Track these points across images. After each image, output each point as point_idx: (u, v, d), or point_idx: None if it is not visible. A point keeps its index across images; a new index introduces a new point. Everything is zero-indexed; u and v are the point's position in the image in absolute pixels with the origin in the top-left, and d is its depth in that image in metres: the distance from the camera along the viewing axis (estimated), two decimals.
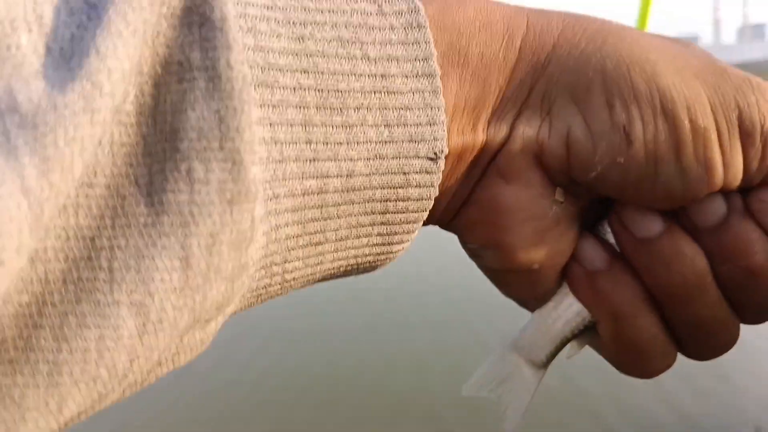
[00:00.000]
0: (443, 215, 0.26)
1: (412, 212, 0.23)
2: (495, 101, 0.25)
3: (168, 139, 0.18)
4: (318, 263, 0.23)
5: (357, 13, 0.22)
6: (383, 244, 0.24)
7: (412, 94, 0.22)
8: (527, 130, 0.25)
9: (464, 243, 0.28)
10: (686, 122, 0.23)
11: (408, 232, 0.24)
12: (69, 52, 0.16)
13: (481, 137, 0.25)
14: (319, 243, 0.22)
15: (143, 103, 0.18)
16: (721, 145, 0.24)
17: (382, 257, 0.25)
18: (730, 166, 0.24)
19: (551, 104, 0.24)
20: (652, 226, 0.25)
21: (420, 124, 0.22)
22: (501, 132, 0.25)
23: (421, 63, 0.22)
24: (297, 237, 0.21)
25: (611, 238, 0.27)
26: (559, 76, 0.24)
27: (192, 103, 0.18)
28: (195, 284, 0.18)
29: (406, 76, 0.22)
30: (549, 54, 0.24)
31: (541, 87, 0.25)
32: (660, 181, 0.24)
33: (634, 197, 0.25)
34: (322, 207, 0.21)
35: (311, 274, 0.23)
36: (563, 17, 0.25)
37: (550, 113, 0.25)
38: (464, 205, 0.26)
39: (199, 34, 0.18)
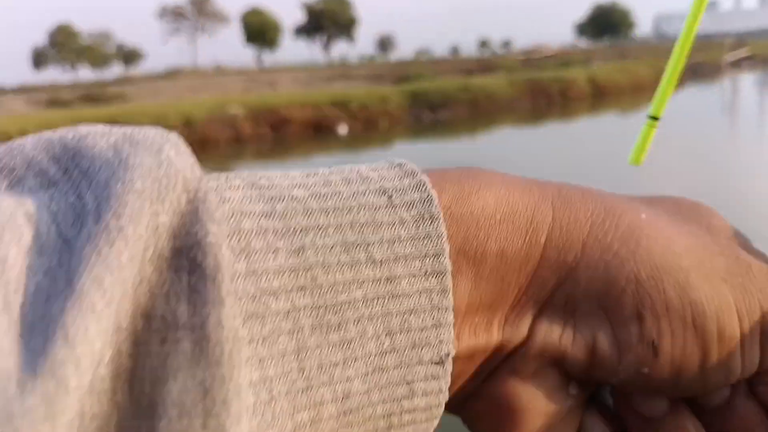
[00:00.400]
0: (446, 406, 0.24)
1: (421, 423, 0.21)
2: (513, 300, 0.23)
3: (145, 415, 0.15)
4: None
5: (364, 209, 0.20)
6: None
7: (418, 295, 0.21)
8: (549, 334, 0.24)
9: (468, 427, 0.26)
10: (714, 334, 0.23)
11: None
12: (31, 314, 0.14)
13: (495, 337, 0.23)
14: None
15: (120, 365, 0.15)
16: (742, 348, 0.24)
17: None
18: (746, 366, 0.24)
19: (576, 308, 0.24)
20: (658, 406, 0.25)
21: (425, 327, 0.21)
22: (519, 333, 0.23)
23: (431, 260, 0.21)
24: None
25: (610, 401, 0.27)
26: (588, 281, 0.23)
27: (174, 372, 0.15)
28: None
29: (414, 276, 0.20)
30: (577, 255, 0.23)
31: (566, 289, 0.23)
32: (679, 384, 0.24)
33: (651, 391, 0.25)
34: None
35: None
36: (591, 208, 0.24)
37: (574, 317, 0.24)
38: (471, 397, 0.25)
39: (187, 283, 0.16)
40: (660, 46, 37.79)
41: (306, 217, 0.19)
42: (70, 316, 0.14)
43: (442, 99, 20.04)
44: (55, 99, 21.75)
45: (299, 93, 21.47)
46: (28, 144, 0.17)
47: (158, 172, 0.16)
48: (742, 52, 29.23)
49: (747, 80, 23.41)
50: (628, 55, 30.47)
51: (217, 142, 15.24)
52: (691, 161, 9.36)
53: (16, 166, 0.17)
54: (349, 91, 20.15)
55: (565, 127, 15.73)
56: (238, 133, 16.20)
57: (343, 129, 17.55)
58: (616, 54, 32.71)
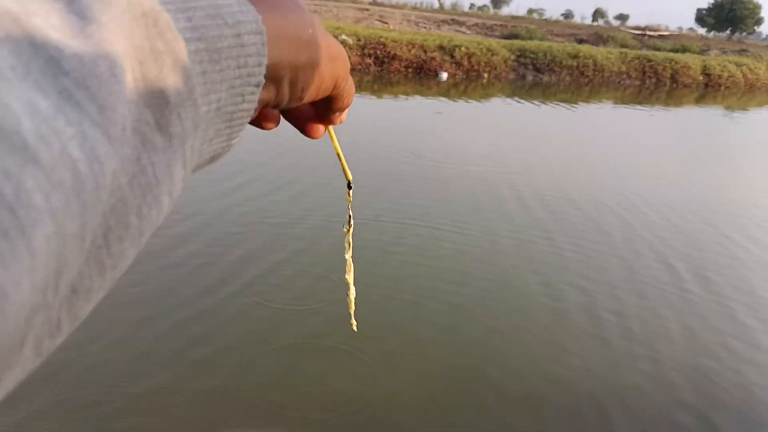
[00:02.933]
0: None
1: (245, 118, 0.34)
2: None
3: None
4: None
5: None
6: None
7: (255, 46, 0.32)
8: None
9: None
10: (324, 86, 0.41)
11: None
12: None
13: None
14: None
15: None
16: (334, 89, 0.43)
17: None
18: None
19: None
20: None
21: (256, 65, 0.33)
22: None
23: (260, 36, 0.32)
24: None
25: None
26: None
27: None
28: None
29: (252, 33, 0.32)
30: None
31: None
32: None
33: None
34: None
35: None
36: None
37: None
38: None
39: None
40: None
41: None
42: None
43: (549, 61, 19.73)
44: None
45: (408, 32, 21.39)
46: None
47: None
48: None
49: None
50: (748, 52, 29.13)
51: None
52: None
53: None
54: (457, 38, 19.97)
55: (668, 114, 15.37)
56: None
57: (443, 75, 17.60)
58: (735, 48, 31.31)
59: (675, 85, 21.06)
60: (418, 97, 14.19)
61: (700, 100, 18.94)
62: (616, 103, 16.53)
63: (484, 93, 15.98)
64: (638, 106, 16.05)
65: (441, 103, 13.32)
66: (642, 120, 14.00)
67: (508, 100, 15.28)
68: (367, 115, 11.07)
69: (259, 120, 0.43)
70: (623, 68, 20.76)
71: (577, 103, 15.73)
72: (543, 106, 14.52)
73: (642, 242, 5.48)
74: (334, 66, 0.41)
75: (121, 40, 0.23)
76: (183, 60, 0.27)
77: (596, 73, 20.24)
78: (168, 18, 0.26)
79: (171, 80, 0.26)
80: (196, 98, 0.28)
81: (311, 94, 0.40)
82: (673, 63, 21.54)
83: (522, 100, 15.19)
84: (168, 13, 0.26)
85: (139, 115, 0.24)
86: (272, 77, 0.36)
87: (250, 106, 0.34)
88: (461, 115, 12.28)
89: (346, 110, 0.48)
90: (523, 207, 6.23)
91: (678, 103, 17.63)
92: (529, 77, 19.36)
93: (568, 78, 19.83)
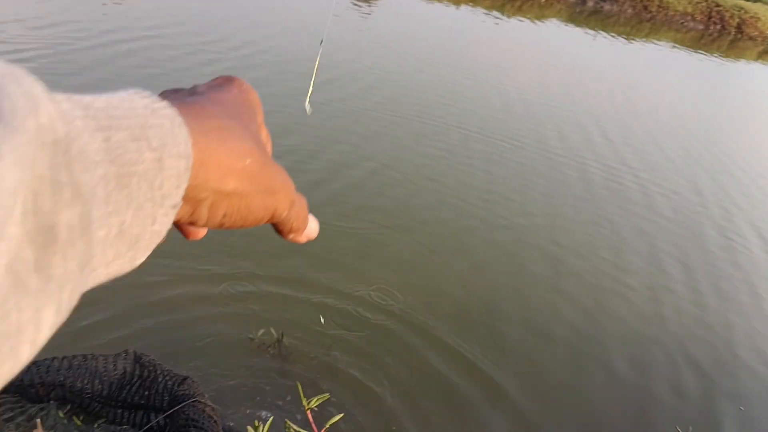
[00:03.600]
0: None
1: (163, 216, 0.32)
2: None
3: None
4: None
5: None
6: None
7: (176, 169, 0.31)
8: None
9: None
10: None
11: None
12: None
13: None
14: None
15: None
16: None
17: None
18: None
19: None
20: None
21: (175, 186, 0.32)
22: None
23: (185, 161, 0.32)
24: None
25: None
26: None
27: None
28: None
29: (175, 157, 0.31)
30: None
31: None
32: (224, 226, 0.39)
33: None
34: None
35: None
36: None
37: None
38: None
39: None
40: None
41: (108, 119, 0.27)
42: None
43: None
44: None
45: None
46: None
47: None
48: None
49: None
50: None
51: None
52: None
53: None
54: None
55: (724, 65, 14.65)
56: None
57: None
58: None
59: (740, 36, 20.02)
60: (466, 5, 13.58)
61: (763, 55, 18.01)
62: (675, 44, 15.74)
63: (540, 13, 15.25)
64: (697, 51, 15.29)
65: (488, 16, 12.75)
66: (700, 68, 13.36)
67: (563, 24, 14.59)
68: (415, 13, 10.63)
69: (185, 231, 0.41)
70: (689, 9, 19.72)
71: (635, 38, 15.01)
72: (599, 36, 13.86)
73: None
74: (273, 199, 0.40)
75: (16, 173, 0.21)
76: (85, 192, 0.25)
77: (660, 9, 19.26)
78: (82, 145, 0.25)
79: (66, 215, 0.24)
80: (91, 233, 0.26)
81: (235, 222, 0.39)
82: (743, 12, 20.39)
83: (581, 28, 14.52)
84: (85, 133, 0.26)
85: (17, 252, 0.22)
86: (191, 198, 0.35)
87: (162, 228, 0.33)
88: (515, 32, 11.76)
89: (309, 231, 0.47)
90: (586, 137, 6.17)
91: (739, 55, 16.78)
92: (590, 3, 18.46)
93: (630, 10, 18.90)
